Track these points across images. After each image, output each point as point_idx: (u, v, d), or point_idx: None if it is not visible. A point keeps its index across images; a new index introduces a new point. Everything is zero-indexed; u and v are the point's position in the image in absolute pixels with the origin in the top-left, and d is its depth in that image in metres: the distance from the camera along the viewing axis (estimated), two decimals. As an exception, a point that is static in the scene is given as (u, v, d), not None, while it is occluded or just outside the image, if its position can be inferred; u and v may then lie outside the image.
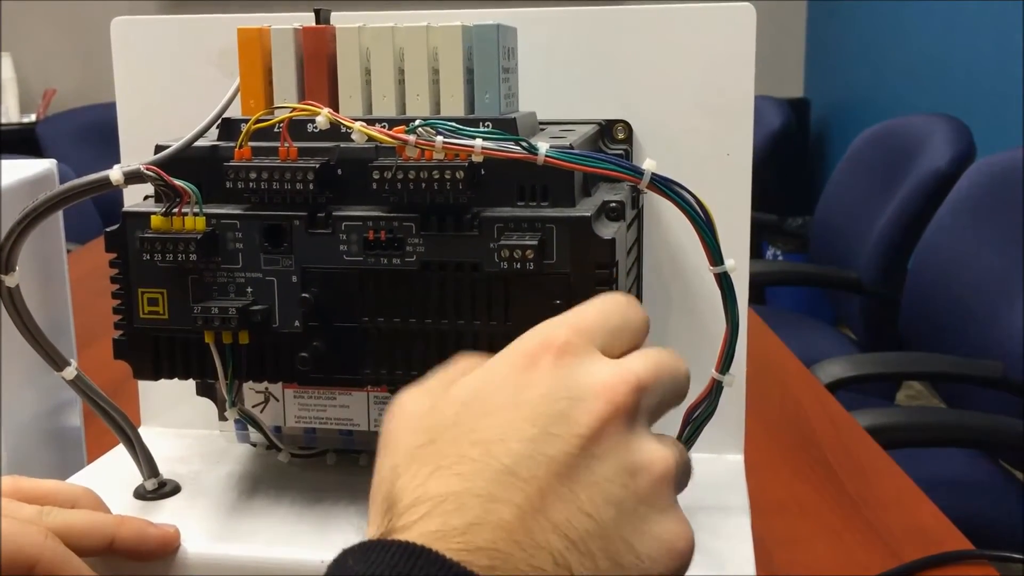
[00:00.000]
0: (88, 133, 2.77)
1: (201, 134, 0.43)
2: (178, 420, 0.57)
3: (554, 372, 0.31)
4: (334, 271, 0.41)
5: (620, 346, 0.34)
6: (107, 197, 0.48)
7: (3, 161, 0.55)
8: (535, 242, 0.39)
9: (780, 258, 2.89)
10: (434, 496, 0.29)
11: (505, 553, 0.28)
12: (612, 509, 0.30)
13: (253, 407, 0.49)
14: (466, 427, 0.31)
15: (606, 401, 0.31)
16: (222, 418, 0.48)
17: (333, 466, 0.50)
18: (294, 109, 0.41)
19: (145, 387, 0.58)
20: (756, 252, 2.75)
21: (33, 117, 3.30)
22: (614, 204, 0.42)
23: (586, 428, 0.30)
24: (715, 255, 0.38)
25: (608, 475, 0.30)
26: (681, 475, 0.33)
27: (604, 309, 0.35)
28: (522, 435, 0.30)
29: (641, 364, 0.32)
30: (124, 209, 0.43)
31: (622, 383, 0.31)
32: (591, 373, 0.32)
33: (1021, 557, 0.60)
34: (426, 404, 0.33)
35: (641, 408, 0.32)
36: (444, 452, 0.30)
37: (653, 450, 0.31)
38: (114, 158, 0.53)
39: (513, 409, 0.31)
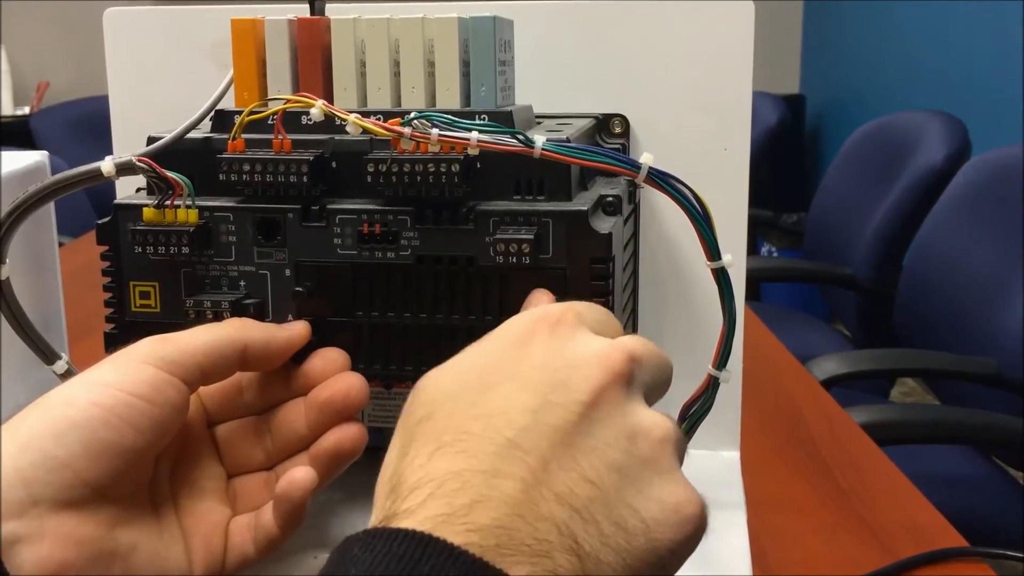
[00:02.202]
0: (82, 126, 2.76)
1: (194, 126, 0.43)
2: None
3: (551, 343, 0.32)
4: (328, 265, 0.41)
5: (606, 334, 0.34)
6: (100, 190, 0.47)
7: (-5, 153, 0.55)
8: (531, 236, 0.38)
9: (775, 254, 2.89)
10: (437, 476, 0.28)
11: (510, 529, 0.27)
12: (614, 474, 0.29)
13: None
14: (465, 401, 0.31)
15: (604, 368, 0.31)
16: (215, 412, 0.47)
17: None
18: (288, 101, 0.40)
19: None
20: (751, 248, 2.75)
21: (27, 110, 3.29)
22: (611, 198, 0.41)
23: (585, 394, 0.30)
24: (712, 250, 0.38)
25: (608, 440, 0.30)
26: (680, 443, 0.33)
27: (590, 305, 0.35)
28: (523, 406, 0.30)
29: (632, 340, 0.33)
30: (116, 201, 0.42)
31: (617, 351, 0.32)
32: (587, 343, 0.32)
33: (1015, 554, 0.59)
34: (432, 379, 0.33)
35: (636, 378, 0.32)
36: (444, 427, 0.30)
37: (651, 415, 0.32)
38: (108, 151, 0.52)
39: (512, 381, 0.31)
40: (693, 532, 0.30)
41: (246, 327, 0.39)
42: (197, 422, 0.41)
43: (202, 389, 0.41)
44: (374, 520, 0.29)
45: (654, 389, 0.34)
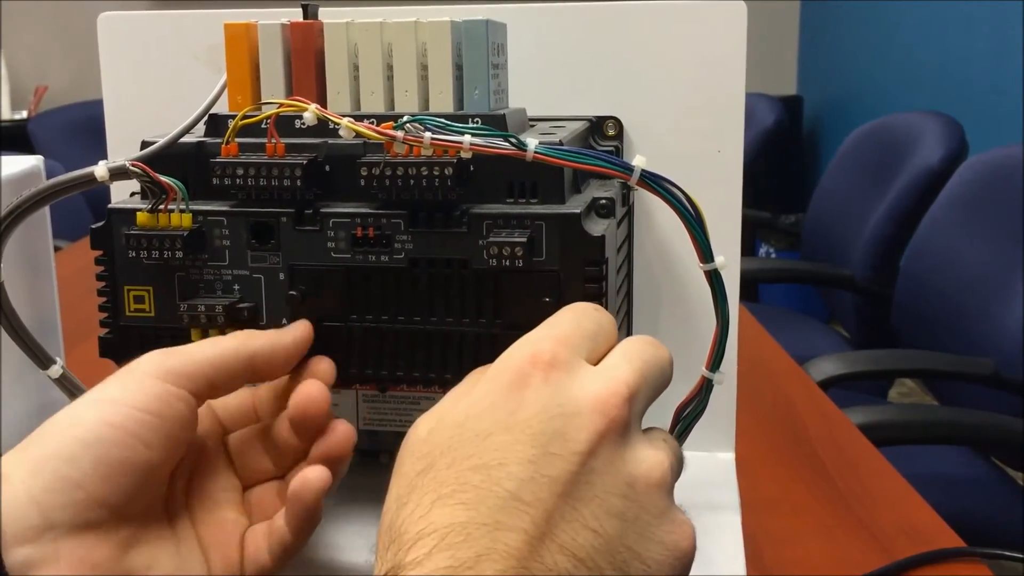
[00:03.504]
0: (80, 130, 2.76)
1: (188, 130, 0.43)
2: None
3: (545, 389, 0.31)
4: (322, 268, 0.41)
5: (599, 349, 0.34)
6: (98, 194, 0.47)
7: (-11, 158, 0.55)
8: (524, 239, 0.38)
9: (773, 255, 2.89)
10: (440, 528, 0.29)
11: None
12: (615, 521, 0.30)
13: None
14: (462, 451, 0.31)
15: (600, 415, 0.31)
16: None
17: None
18: (281, 105, 0.41)
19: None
20: (749, 249, 2.75)
21: (24, 114, 3.29)
22: (604, 201, 0.41)
23: (584, 444, 0.30)
24: (705, 252, 0.38)
25: (608, 488, 0.30)
26: (675, 470, 0.33)
27: (576, 316, 0.35)
28: (521, 457, 0.30)
29: (627, 369, 0.33)
30: (110, 206, 0.42)
31: (614, 395, 0.31)
32: (582, 387, 0.32)
33: (1012, 554, 0.59)
34: (428, 427, 0.33)
35: (633, 415, 0.32)
36: (442, 479, 0.30)
37: (648, 457, 0.32)
38: (105, 155, 0.52)
39: (509, 431, 0.31)
40: (688, 563, 0.31)
41: (250, 337, 0.39)
42: (212, 435, 0.41)
43: (216, 402, 0.41)
44: (380, 571, 0.29)
45: (655, 395, 0.34)
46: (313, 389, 0.39)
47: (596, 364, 0.33)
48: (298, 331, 0.40)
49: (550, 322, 0.35)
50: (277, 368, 0.40)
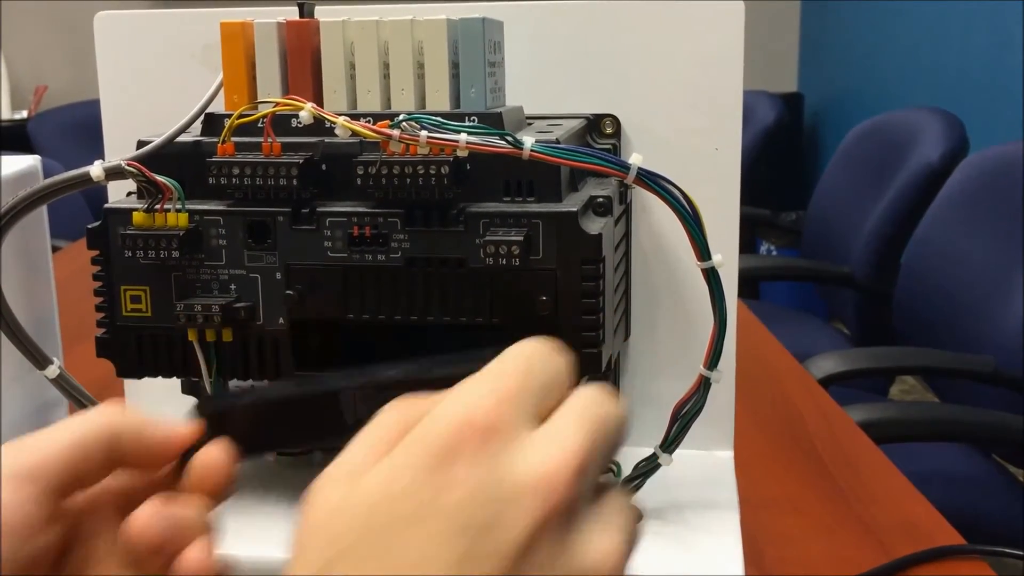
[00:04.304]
0: (80, 130, 2.76)
1: (183, 129, 0.43)
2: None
3: (477, 466, 0.26)
4: (318, 268, 0.41)
5: (549, 402, 0.29)
6: (98, 195, 0.47)
7: (-14, 158, 0.55)
8: (521, 238, 0.38)
9: (774, 253, 2.89)
10: None
11: None
12: None
13: (239, 405, 0.48)
14: (373, 548, 0.26)
15: (543, 499, 0.26)
16: (207, 416, 0.47)
17: (319, 465, 0.50)
18: (278, 104, 0.40)
19: (131, 385, 0.57)
20: (749, 247, 2.75)
21: (24, 114, 3.29)
22: (601, 199, 0.41)
23: (520, 534, 0.25)
24: (702, 250, 0.38)
25: None
26: (631, 547, 0.29)
27: (528, 365, 0.29)
28: (444, 560, 0.25)
29: (579, 436, 0.28)
30: (106, 206, 0.42)
31: (560, 470, 0.26)
32: (524, 460, 0.27)
33: (1013, 552, 0.59)
34: (338, 497, 0.27)
35: (583, 493, 0.27)
36: None
37: (598, 547, 0.27)
38: (104, 155, 0.52)
39: (430, 521, 0.25)
40: None
41: (118, 415, 0.33)
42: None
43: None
44: None
45: (605, 466, 0.29)
46: (140, 521, 0.31)
47: (544, 419, 0.28)
48: (178, 429, 0.33)
49: (495, 370, 0.29)
50: (147, 459, 0.33)
